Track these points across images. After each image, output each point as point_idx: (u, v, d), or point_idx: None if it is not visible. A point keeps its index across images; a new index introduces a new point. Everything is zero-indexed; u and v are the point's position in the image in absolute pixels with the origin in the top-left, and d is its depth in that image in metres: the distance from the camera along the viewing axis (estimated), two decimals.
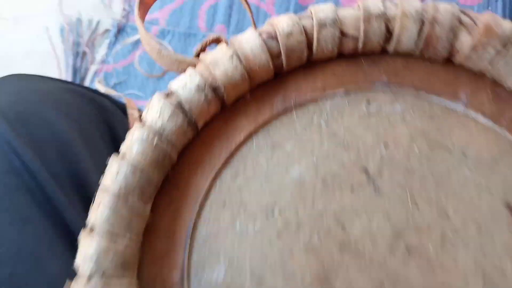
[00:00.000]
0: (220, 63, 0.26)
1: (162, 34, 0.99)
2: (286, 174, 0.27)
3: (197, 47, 0.29)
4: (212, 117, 0.27)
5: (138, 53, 0.98)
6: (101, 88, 0.84)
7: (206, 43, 0.29)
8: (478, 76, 0.28)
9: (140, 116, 0.27)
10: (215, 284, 0.26)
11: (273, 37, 0.27)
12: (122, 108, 0.59)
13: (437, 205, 0.26)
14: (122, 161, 0.25)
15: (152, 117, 0.25)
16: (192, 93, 0.26)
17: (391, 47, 0.27)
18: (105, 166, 0.26)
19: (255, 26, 0.50)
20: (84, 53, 0.98)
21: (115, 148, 0.27)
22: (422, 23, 0.26)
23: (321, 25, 0.26)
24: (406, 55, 0.28)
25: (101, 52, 0.98)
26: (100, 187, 0.25)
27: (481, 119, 0.27)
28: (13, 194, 0.38)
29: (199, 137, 0.28)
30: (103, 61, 0.98)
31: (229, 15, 0.99)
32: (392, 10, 0.27)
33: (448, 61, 0.28)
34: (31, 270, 0.37)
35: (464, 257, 0.25)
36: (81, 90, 0.53)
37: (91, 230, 0.24)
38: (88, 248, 0.24)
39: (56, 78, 0.54)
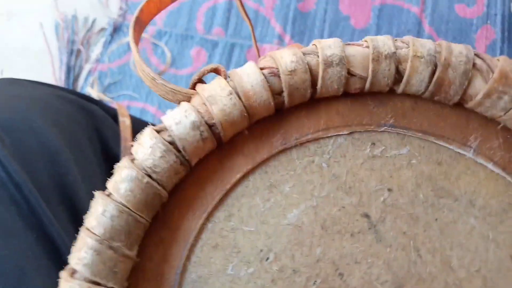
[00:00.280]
0: (218, 99, 0.24)
1: (159, 35, 0.97)
2: (283, 217, 0.26)
3: (194, 77, 0.27)
4: (207, 154, 0.26)
5: None
6: (93, 93, 0.82)
7: (204, 73, 0.27)
8: (489, 122, 0.26)
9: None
10: None
11: (276, 74, 0.25)
12: (113, 115, 0.57)
13: (441, 255, 0.25)
14: (108, 200, 0.23)
15: (142, 154, 0.24)
16: (186, 130, 0.24)
17: (400, 89, 0.26)
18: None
19: (255, 40, 0.49)
20: (79, 51, 0.95)
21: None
22: (434, 65, 0.25)
23: (327, 63, 0.25)
24: (415, 97, 0.27)
25: (96, 51, 0.96)
26: (83, 226, 0.24)
27: (491, 167, 0.26)
28: None
29: (192, 174, 0.26)
30: (98, 60, 0.96)
31: (228, 19, 0.97)
32: (403, 51, 0.25)
33: (459, 105, 0.26)
34: (13, 284, 0.36)
35: None
36: (71, 96, 0.51)
37: (72, 273, 0.23)
38: None
39: (46, 83, 0.53)
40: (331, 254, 0.25)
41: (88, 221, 0.24)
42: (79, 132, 0.47)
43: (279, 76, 0.25)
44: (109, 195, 0.24)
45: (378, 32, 0.93)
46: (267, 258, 0.25)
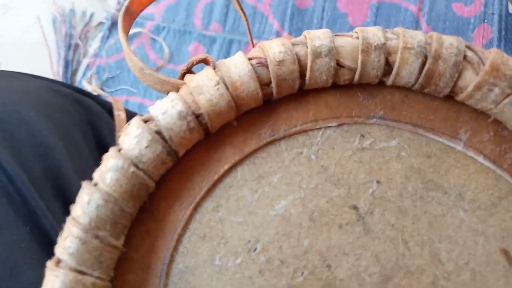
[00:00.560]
0: (205, 89, 0.24)
1: (157, 30, 0.97)
2: (271, 208, 0.26)
3: (183, 67, 0.27)
4: (195, 144, 0.26)
5: (132, 48, 0.95)
6: (88, 87, 0.82)
7: (192, 63, 0.27)
8: (480, 115, 0.26)
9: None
10: None
11: (264, 64, 0.25)
12: (108, 109, 0.57)
13: (430, 248, 0.25)
14: (94, 190, 0.23)
15: (129, 144, 0.24)
16: (173, 120, 0.24)
17: (389, 81, 0.25)
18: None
19: (251, 35, 0.48)
20: (77, 46, 0.95)
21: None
22: (424, 57, 0.25)
23: (316, 54, 0.24)
24: (405, 89, 0.26)
25: (94, 45, 0.96)
26: (69, 217, 0.23)
27: (481, 160, 0.26)
28: None
29: (179, 165, 0.26)
30: (96, 55, 0.96)
31: (226, 14, 0.97)
32: (393, 42, 0.25)
33: (450, 97, 0.26)
34: (5, 277, 0.36)
35: None
36: (64, 89, 0.51)
37: (58, 262, 0.23)
38: (53, 284, 0.22)
39: (39, 76, 0.52)
40: (319, 245, 0.25)
41: (74, 210, 0.23)
42: (72, 125, 0.47)
43: (267, 67, 0.25)
44: (95, 185, 0.24)
45: None
46: (255, 249, 0.25)
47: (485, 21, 0.91)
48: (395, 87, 0.27)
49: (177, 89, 0.26)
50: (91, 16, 0.96)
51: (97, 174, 0.24)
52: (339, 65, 0.25)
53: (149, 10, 0.98)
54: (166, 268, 0.25)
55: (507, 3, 0.91)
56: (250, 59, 0.25)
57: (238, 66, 0.25)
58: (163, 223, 0.25)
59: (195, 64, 0.28)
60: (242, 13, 0.43)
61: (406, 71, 0.25)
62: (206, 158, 0.26)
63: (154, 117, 0.24)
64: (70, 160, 0.43)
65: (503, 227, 0.25)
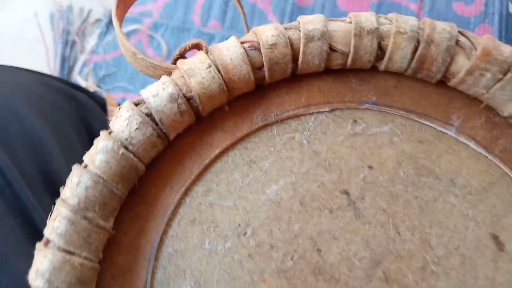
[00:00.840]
0: (196, 72, 0.24)
1: (155, 27, 0.97)
2: (262, 192, 0.26)
3: (176, 52, 0.27)
4: (186, 128, 0.26)
5: None
6: (82, 82, 0.82)
7: (185, 48, 0.27)
8: (472, 101, 0.26)
9: None
10: None
11: (256, 47, 0.25)
12: (102, 104, 0.57)
13: (420, 233, 0.25)
14: (84, 172, 0.23)
15: (119, 126, 0.24)
16: (164, 102, 0.24)
17: (382, 65, 0.25)
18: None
19: (248, 29, 0.48)
20: (74, 42, 0.95)
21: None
22: (417, 42, 0.24)
23: (309, 38, 0.24)
24: (397, 74, 0.26)
25: (91, 42, 0.95)
26: (59, 198, 0.23)
27: (473, 146, 0.26)
28: None
29: (170, 149, 0.26)
30: (93, 51, 0.96)
31: (224, 12, 0.97)
32: (386, 27, 0.25)
33: (442, 83, 0.26)
34: None
35: None
36: (57, 84, 0.51)
37: (47, 243, 0.23)
38: (41, 264, 0.22)
39: (31, 70, 0.52)
40: (309, 230, 0.25)
41: (63, 192, 0.23)
42: (64, 119, 0.47)
43: (259, 50, 0.25)
44: (85, 167, 0.24)
45: None
46: (245, 233, 0.25)
47: (486, 20, 0.91)
48: (388, 72, 0.26)
49: (169, 74, 0.26)
50: (89, 12, 0.96)
51: (87, 157, 0.24)
52: (332, 49, 0.25)
53: (148, 7, 0.98)
54: (155, 251, 0.25)
55: (507, 2, 0.91)
56: (242, 42, 0.25)
57: (230, 50, 0.25)
58: (153, 207, 0.25)
59: (188, 50, 0.28)
60: (240, 9, 0.43)
61: (399, 55, 0.25)
62: (197, 142, 0.26)
63: (145, 100, 0.24)
64: (61, 154, 0.43)
65: (493, 213, 0.25)
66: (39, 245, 0.23)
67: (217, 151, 0.26)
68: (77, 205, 0.23)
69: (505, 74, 0.24)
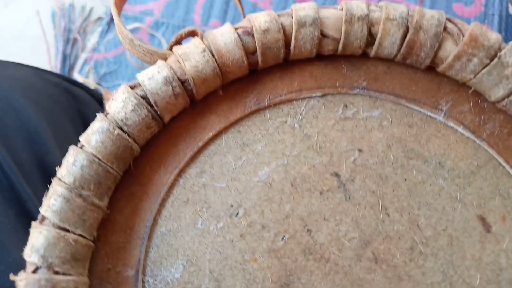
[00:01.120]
0: (191, 56, 0.25)
1: (156, 26, 0.98)
2: (254, 174, 0.26)
3: (172, 39, 0.27)
4: (180, 112, 0.26)
5: None
6: (79, 78, 0.83)
7: (181, 35, 0.27)
8: (461, 86, 0.27)
9: None
10: (171, 282, 0.25)
11: (249, 33, 0.25)
12: (99, 99, 0.57)
13: (409, 215, 0.25)
14: (79, 152, 0.24)
15: (115, 108, 0.24)
16: (158, 85, 0.24)
17: (372, 51, 0.26)
18: None
19: None
20: (75, 40, 0.96)
21: None
22: (406, 28, 0.25)
23: (301, 24, 0.25)
24: (388, 60, 0.27)
25: (92, 40, 0.96)
26: (55, 177, 0.24)
27: (461, 130, 0.26)
28: None
29: (165, 131, 0.26)
30: (94, 50, 0.97)
31: (225, 11, 0.98)
32: (376, 13, 0.25)
33: (431, 69, 0.27)
34: None
35: (432, 268, 0.24)
36: (55, 79, 0.51)
37: (42, 220, 0.23)
38: (36, 240, 0.22)
39: (29, 65, 0.53)
40: (300, 211, 0.25)
41: (59, 171, 0.24)
42: (61, 112, 0.47)
43: (253, 35, 0.25)
44: (81, 147, 0.24)
45: None
46: (237, 214, 0.26)
47: (485, 21, 0.92)
48: (379, 59, 0.27)
49: (165, 60, 0.26)
50: (90, 11, 0.97)
51: (83, 137, 0.24)
52: (323, 35, 0.26)
53: (149, 5, 0.99)
54: (149, 230, 0.25)
55: (507, 3, 0.92)
56: (236, 28, 0.26)
57: (224, 35, 0.25)
58: (147, 187, 0.26)
59: (184, 37, 0.28)
60: (240, 9, 0.44)
61: (388, 41, 0.25)
62: (191, 125, 0.27)
63: (140, 83, 0.25)
64: (58, 146, 0.44)
65: (480, 195, 0.25)
66: (34, 223, 0.23)
67: (210, 134, 0.26)
68: (72, 183, 0.23)
69: (491, 59, 0.25)
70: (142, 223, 0.25)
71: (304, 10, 0.26)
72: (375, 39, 0.26)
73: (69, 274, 0.23)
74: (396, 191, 0.26)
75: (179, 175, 0.26)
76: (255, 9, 0.97)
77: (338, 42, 0.26)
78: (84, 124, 0.51)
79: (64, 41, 0.95)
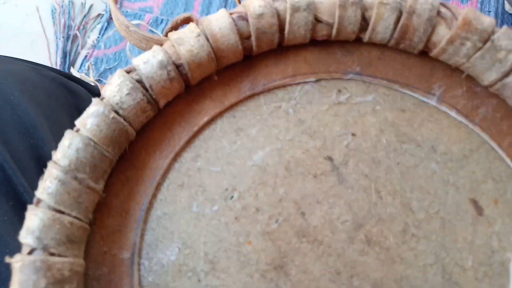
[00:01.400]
0: (186, 41, 0.25)
1: (155, 23, 0.98)
2: (248, 158, 0.26)
3: (168, 25, 0.28)
4: (175, 96, 0.26)
5: None
6: (76, 73, 0.83)
7: (177, 22, 0.28)
8: (453, 71, 0.27)
9: None
10: (166, 265, 0.25)
11: (244, 18, 0.26)
12: (96, 94, 0.58)
13: (401, 198, 0.26)
14: (75, 135, 0.24)
15: (110, 91, 0.24)
16: (154, 69, 0.25)
17: (366, 36, 0.26)
18: None
19: None
20: (75, 37, 0.96)
21: None
22: (399, 12, 0.25)
23: (295, 8, 0.25)
24: (381, 46, 0.27)
25: (92, 36, 0.97)
26: (51, 161, 0.24)
27: (454, 114, 0.26)
28: None
29: (160, 116, 0.27)
30: (94, 46, 0.97)
31: (224, 8, 0.98)
32: None
33: (424, 54, 0.27)
34: None
35: (424, 251, 0.25)
36: (51, 73, 0.51)
37: (38, 202, 0.23)
38: (32, 222, 0.23)
39: (26, 60, 0.53)
40: (294, 194, 0.26)
41: (55, 155, 0.24)
42: (57, 106, 0.48)
43: (247, 20, 0.26)
44: (77, 131, 0.24)
45: None
46: (232, 197, 0.26)
47: None
48: (372, 44, 0.27)
49: (160, 45, 0.27)
50: (90, 7, 0.98)
51: (78, 121, 0.25)
52: (317, 20, 0.26)
53: (148, 2, 0.99)
54: (145, 214, 0.26)
55: (503, 1, 0.92)
56: (231, 13, 0.26)
57: (219, 20, 0.26)
58: (143, 171, 0.26)
59: (180, 24, 0.29)
60: (238, 2, 0.44)
61: (382, 26, 0.26)
62: (186, 110, 0.27)
63: (136, 68, 0.25)
64: (54, 140, 0.44)
65: (472, 179, 0.26)
66: (31, 207, 0.24)
67: (205, 119, 0.27)
68: (68, 166, 0.23)
69: (484, 43, 0.25)
70: (137, 207, 0.26)
71: None
72: (368, 24, 0.26)
73: (65, 256, 0.23)
74: (389, 174, 0.26)
75: (175, 159, 0.26)
76: None
77: (332, 27, 0.26)
78: None
79: (64, 38, 0.95)
